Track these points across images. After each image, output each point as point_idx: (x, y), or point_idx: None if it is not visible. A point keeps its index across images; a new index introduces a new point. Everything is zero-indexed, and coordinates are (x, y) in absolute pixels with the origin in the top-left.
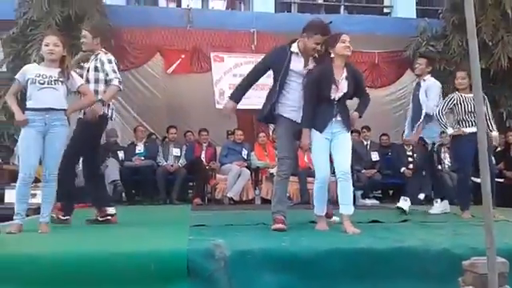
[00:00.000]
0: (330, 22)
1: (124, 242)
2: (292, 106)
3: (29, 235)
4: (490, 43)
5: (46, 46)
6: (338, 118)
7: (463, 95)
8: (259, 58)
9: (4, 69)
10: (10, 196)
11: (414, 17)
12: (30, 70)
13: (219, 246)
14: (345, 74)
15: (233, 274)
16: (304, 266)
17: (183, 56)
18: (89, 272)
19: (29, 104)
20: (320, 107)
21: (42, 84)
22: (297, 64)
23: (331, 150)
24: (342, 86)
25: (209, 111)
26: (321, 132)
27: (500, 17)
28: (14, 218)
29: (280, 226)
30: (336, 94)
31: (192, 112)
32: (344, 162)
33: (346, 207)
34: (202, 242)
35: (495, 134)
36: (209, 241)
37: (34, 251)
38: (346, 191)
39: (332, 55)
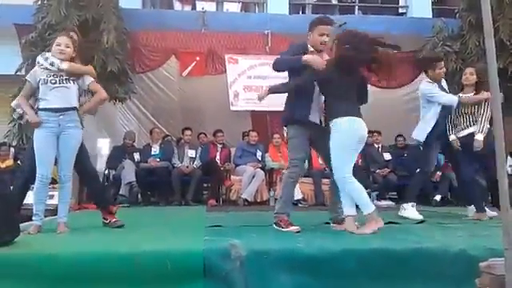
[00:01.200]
0: (344, 23)
1: (140, 242)
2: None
3: (47, 235)
4: (508, 42)
5: (58, 45)
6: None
7: (462, 96)
8: (274, 59)
9: (23, 72)
10: (30, 197)
11: (430, 16)
12: (41, 71)
13: (235, 246)
14: None
15: (248, 273)
16: (319, 266)
17: (198, 58)
18: (106, 271)
19: (42, 104)
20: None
21: (54, 84)
22: None
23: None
24: None
25: (223, 113)
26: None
27: None
28: (33, 218)
29: (295, 227)
30: None
31: (207, 114)
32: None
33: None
34: (217, 242)
35: (479, 136)
36: (225, 241)
37: (52, 251)
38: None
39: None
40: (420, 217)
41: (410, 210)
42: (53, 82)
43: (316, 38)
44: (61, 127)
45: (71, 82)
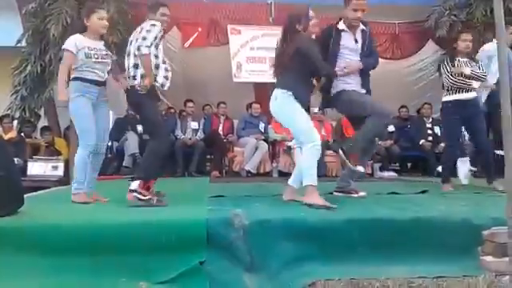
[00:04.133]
0: None
1: (144, 212)
2: (350, 82)
3: (51, 206)
4: None
5: (101, 19)
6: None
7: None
8: (277, 30)
9: (23, 43)
10: (33, 168)
11: None
12: (82, 42)
13: (238, 215)
14: None
15: (252, 242)
16: (322, 235)
17: (200, 29)
18: (109, 241)
19: (85, 75)
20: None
21: (97, 58)
22: (347, 41)
23: None
24: None
25: (226, 84)
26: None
27: None
28: (78, 187)
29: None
30: None
31: (209, 85)
32: None
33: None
34: (220, 211)
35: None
36: (228, 210)
37: (55, 221)
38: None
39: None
40: None
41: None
42: (96, 56)
43: (350, 14)
44: (98, 100)
45: (109, 57)
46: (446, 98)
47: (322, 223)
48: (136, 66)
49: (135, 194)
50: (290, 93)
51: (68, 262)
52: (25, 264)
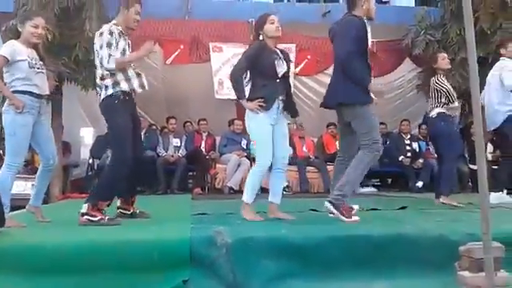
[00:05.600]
0: (328, 12)
1: (126, 231)
2: None
3: (31, 226)
4: (489, 31)
5: (35, 27)
6: (281, 98)
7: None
8: None
9: None
10: (12, 187)
11: (413, 5)
12: (21, 50)
13: (221, 233)
14: (280, 55)
15: (234, 260)
16: (304, 253)
17: (182, 46)
18: (92, 261)
19: (27, 88)
20: (264, 83)
21: (38, 68)
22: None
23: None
24: (282, 63)
25: (208, 101)
26: (267, 109)
27: (498, 5)
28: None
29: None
30: (280, 69)
31: (191, 102)
32: (287, 151)
33: (279, 197)
34: (203, 229)
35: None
36: (210, 228)
37: (37, 241)
38: (282, 181)
39: (261, 38)
40: None
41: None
42: (36, 66)
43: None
44: (40, 114)
45: (44, 67)
46: (442, 110)
47: (304, 240)
48: (103, 78)
49: (86, 216)
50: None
51: (52, 283)
52: (8, 285)
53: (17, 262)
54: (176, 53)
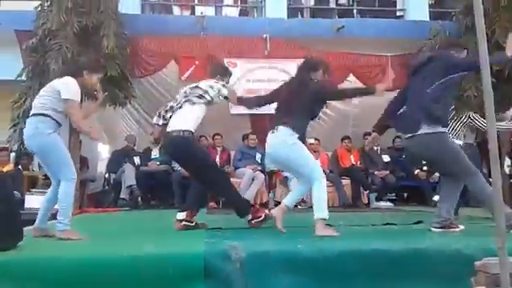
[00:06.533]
0: (342, 27)
1: (142, 245)
2: None
3: (49, 239)
4: (504, 45)
5: (98, 81)
6: None
7: None
8: (272, 63)
9: (24, 77)
10: (30, 201)
11: (427, 19)
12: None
13: (235, 247)
14: None
15: (249, 275)
16: (319, 267)
17: (197, 62)
18: (108, 274)
19: (59, 120)
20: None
21: None
22: None
23: None
24: None
25: (223, 116)
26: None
27: None
28: (68, 223)
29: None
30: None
31: (206, 117)
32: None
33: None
34: (218, 244)
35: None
36: (225, 243)
37: (55, 254)
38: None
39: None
40: None
41: None
42: None
43: None
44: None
45: None
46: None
47: (319, 255)
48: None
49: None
50: (298, 135)
51: None
52: None
53: (32, 276)
54: (191, 69)
